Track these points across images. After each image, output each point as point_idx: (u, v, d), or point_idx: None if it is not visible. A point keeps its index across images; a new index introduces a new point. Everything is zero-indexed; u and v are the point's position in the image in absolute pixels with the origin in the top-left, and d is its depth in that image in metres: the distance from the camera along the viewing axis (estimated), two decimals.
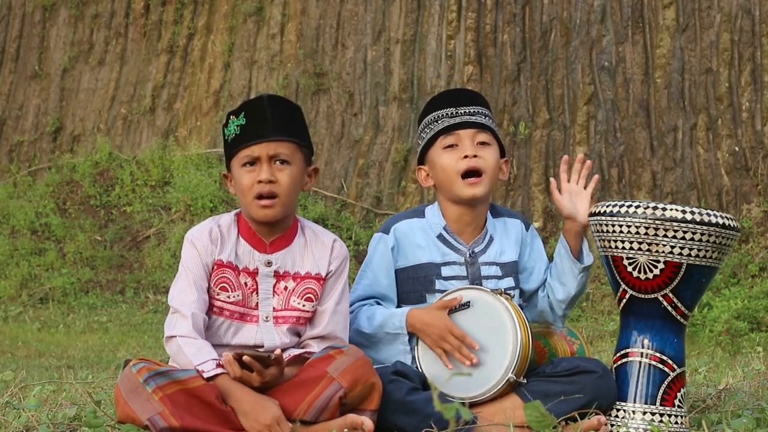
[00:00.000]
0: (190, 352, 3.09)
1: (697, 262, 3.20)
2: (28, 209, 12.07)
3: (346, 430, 3.07)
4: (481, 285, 3.43)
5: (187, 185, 11.59)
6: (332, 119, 11.76)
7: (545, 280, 3.56)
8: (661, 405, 3.28)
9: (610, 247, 3.27)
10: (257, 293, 3.26)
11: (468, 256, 3.46)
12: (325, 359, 3.15)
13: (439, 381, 3.29)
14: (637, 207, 3.22)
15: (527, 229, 3.59)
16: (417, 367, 3.36)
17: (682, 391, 3.31)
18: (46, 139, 13.07)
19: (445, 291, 3.39)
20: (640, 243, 3.20)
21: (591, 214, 3.36)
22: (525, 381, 3.29)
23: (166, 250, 11.25)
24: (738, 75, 10.30)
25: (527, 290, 3.56)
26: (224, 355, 3.08)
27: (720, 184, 10.13)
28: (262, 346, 3.23)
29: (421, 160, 3.53)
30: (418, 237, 3.46)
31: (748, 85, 10.25)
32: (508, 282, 3.48)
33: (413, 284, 3.44)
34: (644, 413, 3.28)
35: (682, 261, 3.19)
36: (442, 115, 3.46)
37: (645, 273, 3.23)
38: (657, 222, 3.18)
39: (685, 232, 3.17)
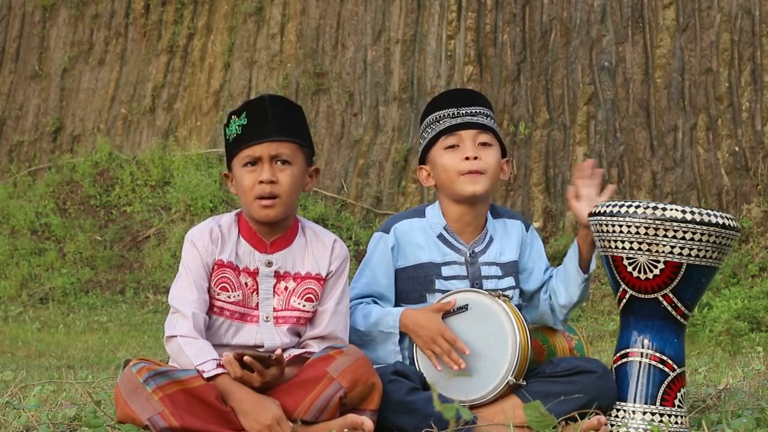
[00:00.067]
0: (191, 352, 3.09)
1: (697, 262, 3.20)
2: (28, 209, 12.07)
3: (346, 430, 3.07)
4: (481, 285, 3.43)
5: (187, 185, 11.59)
6: (332, 119, 11.76)
7: (545, 281, 3.56)
8: (661, 405, 3.28)
9: (610, 247, 3.27)
10: (257, 293, 3.26)
11: (468, 256, 3.46)
12: (325, 359, 3.14)
13: (439, 382, 3.30)
14: (637, 207, 3.21)
15: (527, 229, 3.59)
16: (416, 368, 3.36)
17: (682, 391, 3.31)
18: (46, 139, 13.07)
19: (446, 291, 3.39)
20: (640, 243, 3.20)
21: (591, 214, 3.36)
22: (524, 383, 3.29)
23: (166, 250, 11.25)
24: (738, 75, 10.30)
25: (527, 291, 3.56)
26: (225, 355, 3.07)
27: (720, 184, 10.13)
28: (263, 346, 3.23)
29: (423, 160, 3.54)
30: (419, 237, 3.46)
31: (748, 85, 10.25)
32: (509, 281, 3.48)
33: (413, 284, 3.44)
34: (644, 413, 3.28)
35: (682, 261, 3.19)
36: (444, 115, 3.46)
37: (645, 273, 3.23)
38: (657, 222, 3.18)
39: (685, 232, 3.17)
